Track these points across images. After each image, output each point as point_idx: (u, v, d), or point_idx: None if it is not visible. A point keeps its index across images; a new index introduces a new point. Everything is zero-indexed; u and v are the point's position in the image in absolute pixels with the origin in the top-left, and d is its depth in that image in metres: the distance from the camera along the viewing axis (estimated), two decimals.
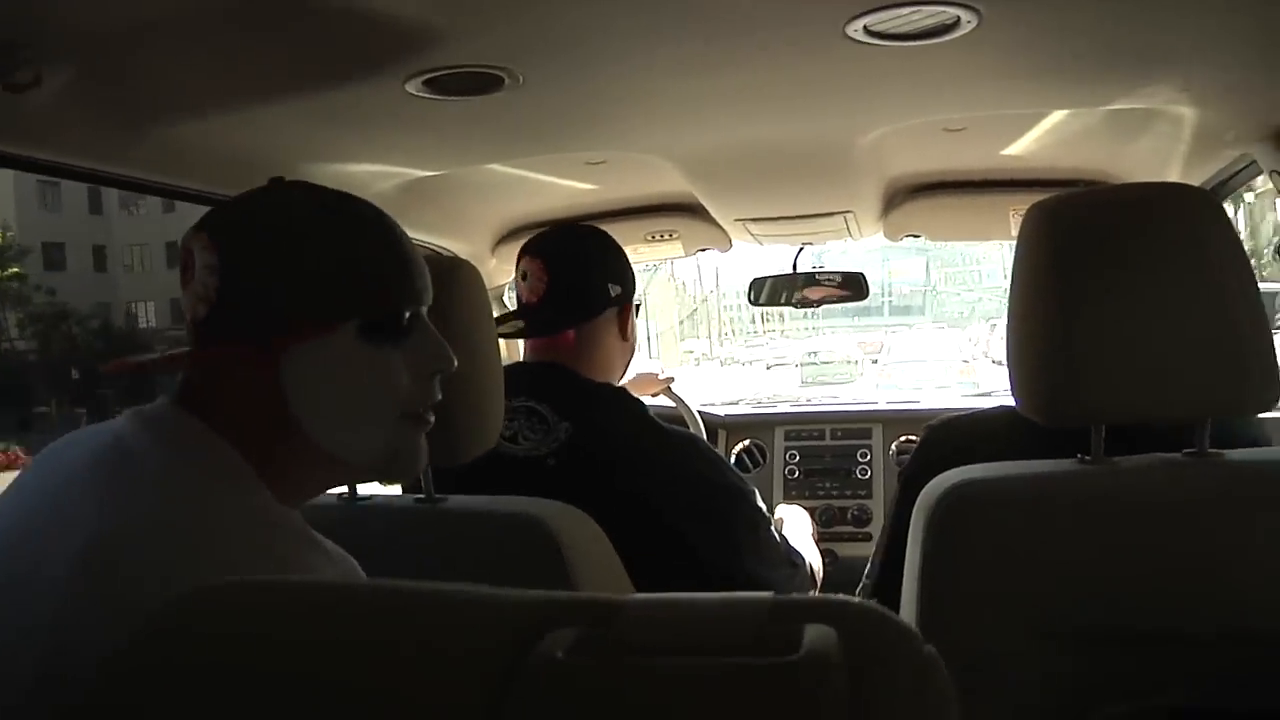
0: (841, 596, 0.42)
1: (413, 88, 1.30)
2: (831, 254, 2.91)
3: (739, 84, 1.43)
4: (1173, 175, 1.89)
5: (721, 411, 2.95)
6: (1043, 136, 1.92)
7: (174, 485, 0.84)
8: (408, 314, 0.93)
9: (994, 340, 19.21)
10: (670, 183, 2.18)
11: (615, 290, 1.64)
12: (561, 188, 2.19)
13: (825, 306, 2.88)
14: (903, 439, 2.76)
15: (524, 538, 1.22)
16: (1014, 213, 2.23)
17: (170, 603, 0.49)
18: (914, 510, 1.22)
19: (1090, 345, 1.11)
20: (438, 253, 2.28)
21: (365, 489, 1.36)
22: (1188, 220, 1.14)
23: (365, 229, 0.92)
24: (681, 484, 1.50)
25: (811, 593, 1.77)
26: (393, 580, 0.46)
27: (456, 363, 0.98)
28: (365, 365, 0.90)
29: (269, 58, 1.23)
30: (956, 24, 1.17)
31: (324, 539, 0.89)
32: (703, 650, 0.39)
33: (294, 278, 0.87)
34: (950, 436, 1.45)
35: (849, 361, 15.81)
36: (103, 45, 1.11)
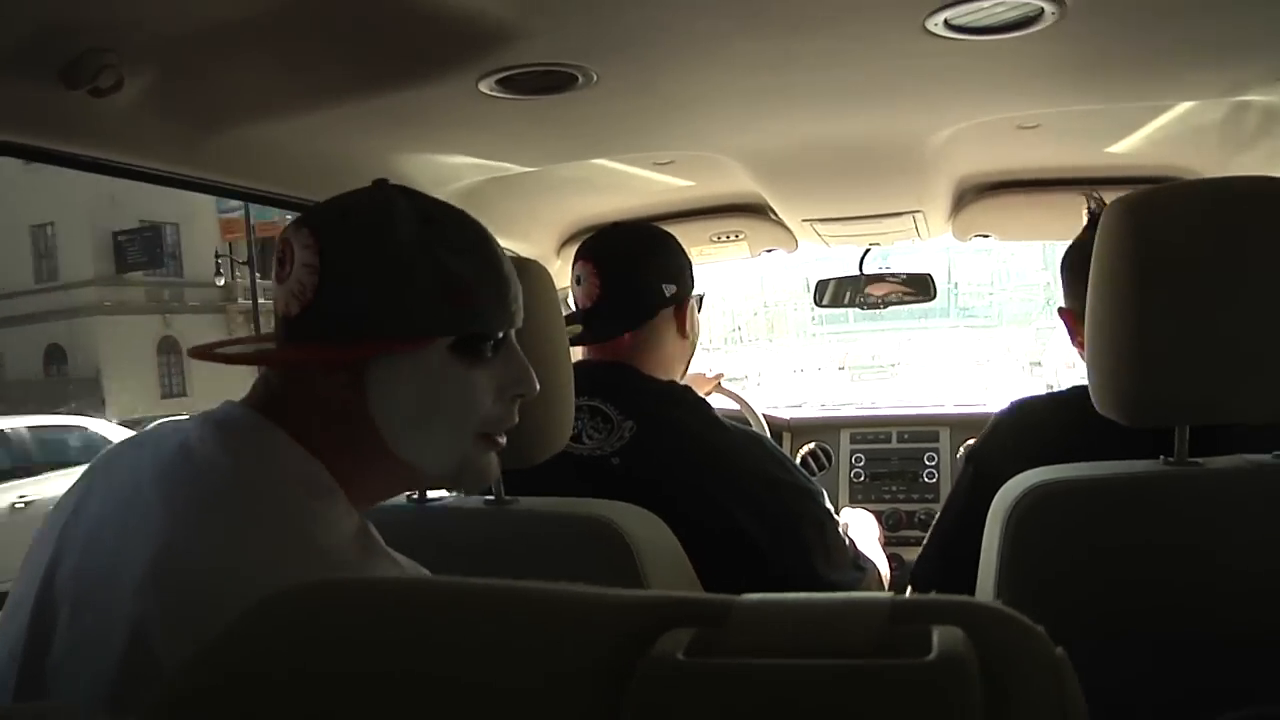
0: (964, 597, 0.41)
1: (486, 87, 1.30)
2: (897, 254, 2.85)
3: (813, 81, 1.41)
4: (1258, 170, 1.83)
5: (787, 414, 2.93)
6: (1120, 132, 1.88)
7: (246, 495, 0.84)
8: (499, 335, 0.93)
9: (1047, 346, 18.65)
10: (737, 183, 2.16)
11: (670, 290, 1.62)
12: (628, 188, 2.18)
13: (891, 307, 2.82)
14: (970, 442, 2.70)
15: (597, 540, 1.22)
16: (1086, 213, 2.18)
17: (273, 598, 0.48)
18: (991, 508, 1.19)
19: (1174, 344, 1.08)
20: None
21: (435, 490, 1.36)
22: (1277, 214, 1.09)
23: (470, 245, 0.91)
24: (747, 482, 1.49)
25: None
26: (500, 579, 0.45)
27: (539, 388, 0.98)
28: (453, 382, 0.91)
29: (343, 60, 1.23)
30: (1040, 16, 1.14)
31: (397, 554, 0.89)
32: (824, 652, 0.37)
33: (397, 288, 0.87)
34: (1022, 415, 1.43)
35: (894, 365, 16.01)
36: (182, 50, 1.12)
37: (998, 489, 1.21)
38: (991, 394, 3.26)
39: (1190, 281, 1.08)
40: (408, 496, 1.36)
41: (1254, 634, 1.07)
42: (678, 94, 1.43)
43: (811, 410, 3.05)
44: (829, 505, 1.62)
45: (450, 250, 0.88)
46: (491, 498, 1.30)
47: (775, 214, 2.37)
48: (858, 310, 2.86)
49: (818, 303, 2.79)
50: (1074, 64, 1.37)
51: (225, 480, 0.84)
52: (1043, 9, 1.13)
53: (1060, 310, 1.51)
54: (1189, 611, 1.09)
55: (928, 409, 2.90)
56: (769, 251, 2.65)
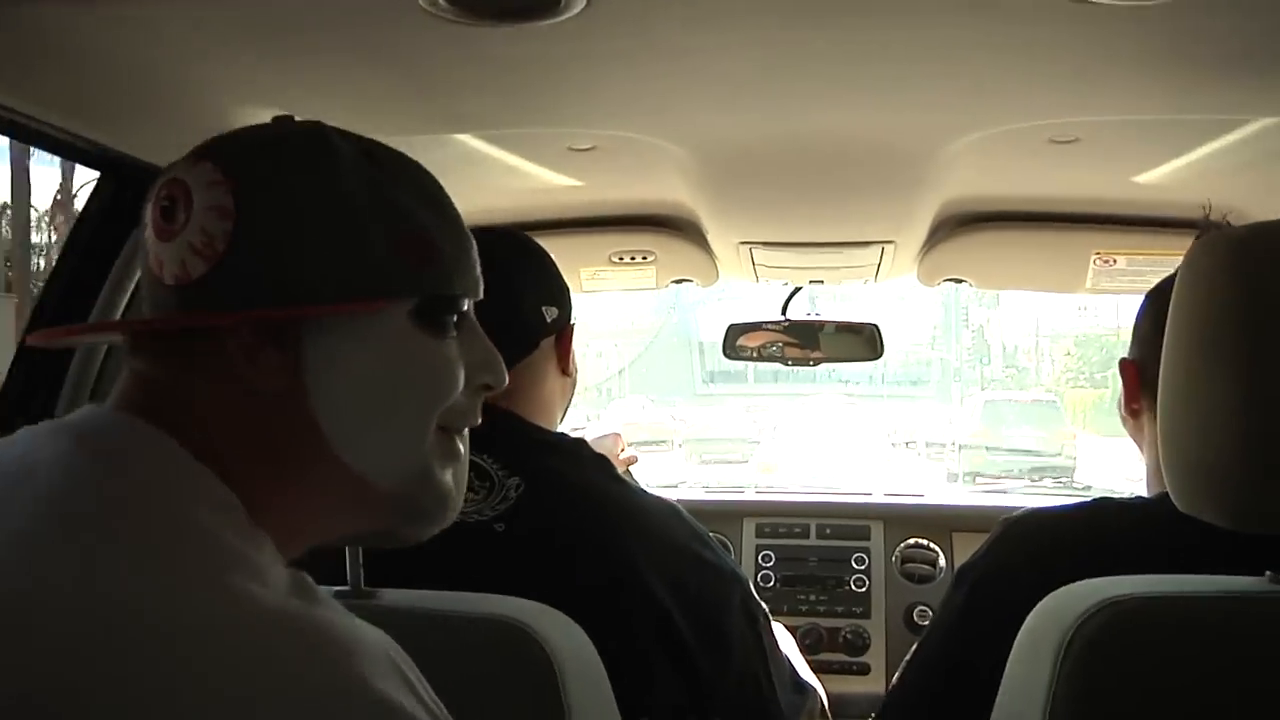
0: None
1: (425, 2, 1.16)
2: (823, 300, 2.82)
3: (819, 52, 1.36)
4: None
5: (673, 496, 2.82)
6: (1160, 158, 1.89)
7: (149, 542, 0.74)
8: (466, 305, 0.93)
9: (969, 418, 19.09)
10: (664, 186, 2.10)
11: (551, 313, 1.61)
12: (522, 180, 2.08)
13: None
14: (909, 543, 2.73)
15: (505, 649, 1.17)
16: (1097, 259, 2.23)
17: None
18: (1028, 629, 1.17)
19: None
20: None
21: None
22: None
23: (427, 192, 0.91)
24: (665, 556, 1.46)
25: None
26: None
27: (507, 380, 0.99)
28: (419, 357, 0.89)
29: None
30: None
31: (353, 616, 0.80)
32: None
33: (344, 236, 0.84)
34: (1035, 533, 1.44)
35: (746, 440, 16.11)
36: None
37: (1002, 616, 1.20)
38: (928, 486, 3.32)
39: None
40: None
41: None
42: (668, 40, 1.35)
43: (703, 492, 2.97)
44: (763, 603, 1.61)
45: (408, 195, 0.88)
46: (345, 588, 1.21)
47: (702, 233, 2.32)
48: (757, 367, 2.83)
49: (730, 353, 2.71)
50: (1161, 55, 1.35)
51: (117, 520, 0.75)
52: None
53: (1122, 363, 1.51)
54: None
55: (854, 497, 2.86)
56: (678, 282, 2.61)
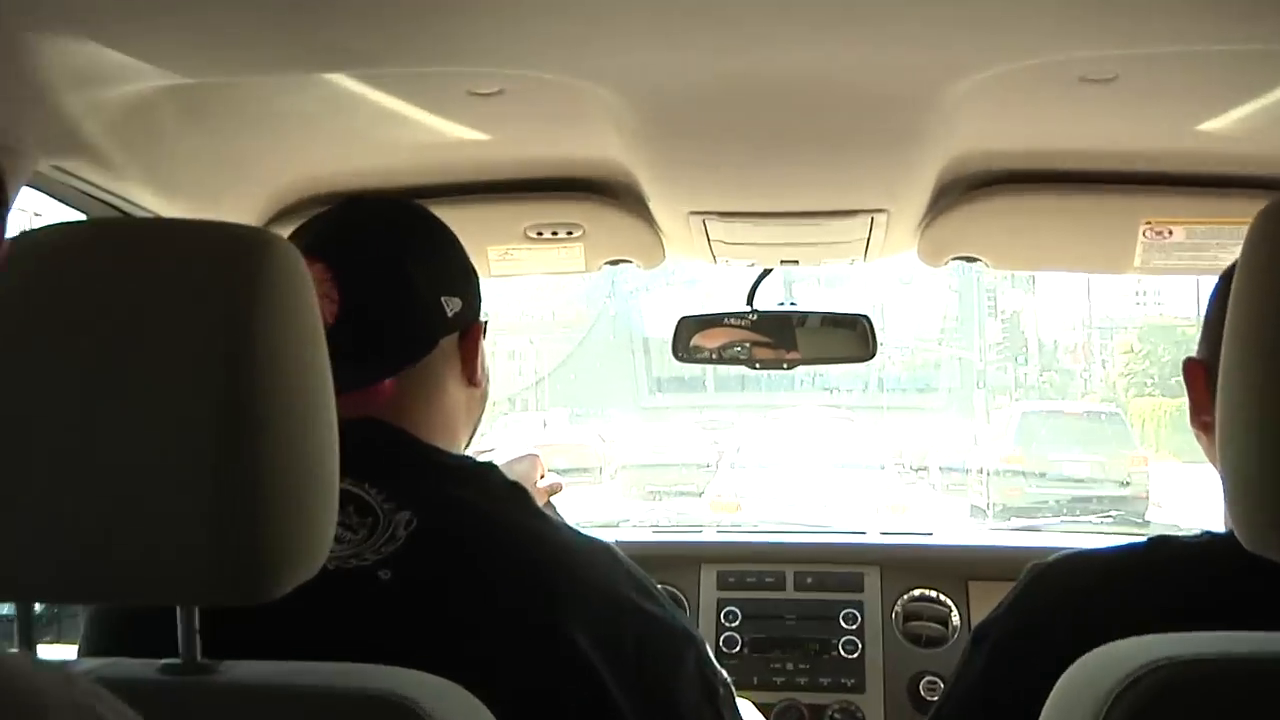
0: None
1: None
2: (801, 286, 2.86)
3: None
4: None
5: (611, 537, 2.82)
6: (1245, 102, 1.88)
7: None
8: None
9: (1000, 436, 18.99)
10: (590, 142, 2.11)
11: (453, 305, 1.63)
12: (412, 133, 2.08)
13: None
14: (914, 595, 2.75)
15: None
16: (1148, 229, 2.25)
17: None
18: (1058, 698, 1.21)
19: None
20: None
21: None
22: None
23: None
24: (597, 609, 1.48)
25: None
26: None
27: None
28: None
29: None
30: None
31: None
32: None
33: None
34: (1070, 581, 1.48)
35: (700, 466, 16.13)
36: None
37: (1030, 684, 1.25)
38: (936, 523, 3.39)
39: None
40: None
41: None
42: None
43: (645, 532, 2.99)
44: (723, 671, 1.63)
45: None
46: (176, 661, 1.19)
47: (643, 201, 2.33)
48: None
49: (681, 354, 2.72)
50: None
51: None
52: None
53: (1187, 363, 1.53)
54: None
55: (842, 537, 2.87)
56: (614, 264, 2.62)
